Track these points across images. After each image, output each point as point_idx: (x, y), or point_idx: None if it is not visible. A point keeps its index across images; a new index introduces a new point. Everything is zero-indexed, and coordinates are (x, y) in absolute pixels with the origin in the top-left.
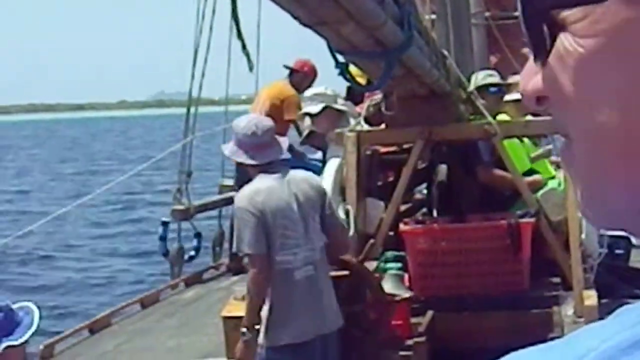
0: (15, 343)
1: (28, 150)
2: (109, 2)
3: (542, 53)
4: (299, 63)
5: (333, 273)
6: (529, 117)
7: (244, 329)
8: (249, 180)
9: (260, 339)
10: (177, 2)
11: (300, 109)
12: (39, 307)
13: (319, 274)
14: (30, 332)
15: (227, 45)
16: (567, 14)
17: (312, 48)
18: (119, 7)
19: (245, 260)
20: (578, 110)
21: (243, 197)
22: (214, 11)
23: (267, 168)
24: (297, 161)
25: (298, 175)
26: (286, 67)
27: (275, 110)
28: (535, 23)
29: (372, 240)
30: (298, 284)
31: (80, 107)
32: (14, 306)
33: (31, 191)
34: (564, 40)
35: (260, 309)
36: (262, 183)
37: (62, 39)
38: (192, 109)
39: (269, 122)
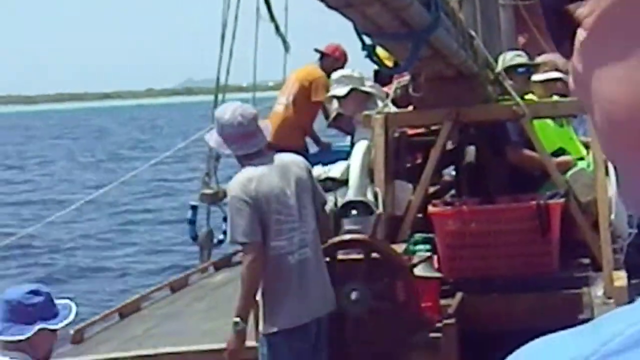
0: (49, 327)
1: (52, 140)
2: None
3: (566, 50)
4: (330, 47)
5: (355, 256)
6: (556, 98)
7: (237, 319)
8: None
9: (260, 327)
10: None
11: (328, 91)
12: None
13: (313, 255)
14: (65, 322)
15: (254, 30)
16: (580, 11)
17: (340, 31)
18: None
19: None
20: (592, 97)
21: (235, 185)
22: (236, 17)
23: (256, 155)
24: (325, 153)
25: (286, 158)
26: (317, 50)
27: (304, 92)
28: (555, 22)
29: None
30: (293, 268)
31: (107, 96)
32: (57, 301)
33: (54, 179)
34: (579, 35)
35: (254, 297)
36: (253, 170)
37: (89, 27)
38: (220, 96)
39: (252, 110)
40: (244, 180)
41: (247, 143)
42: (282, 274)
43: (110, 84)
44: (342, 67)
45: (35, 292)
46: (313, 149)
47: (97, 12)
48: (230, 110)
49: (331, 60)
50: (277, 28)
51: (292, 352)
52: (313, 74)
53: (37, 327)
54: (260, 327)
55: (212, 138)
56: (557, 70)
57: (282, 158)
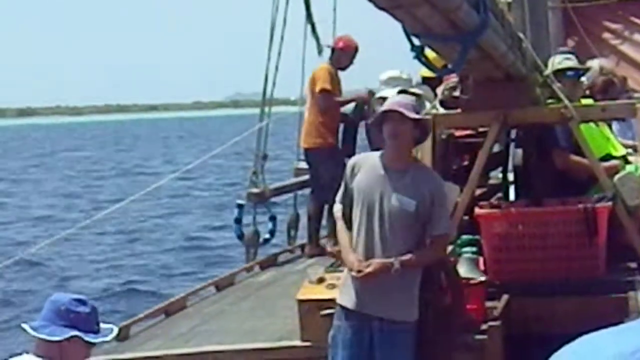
0: (84, 338)
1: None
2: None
3: None
4: (335, 40)
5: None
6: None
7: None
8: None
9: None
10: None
11: (331, 78)
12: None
13: None
14: (101, 339)
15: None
16: None
17: (388, 33)
18: (198, 7)
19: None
20: None
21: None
22: (285, 21)
23: None
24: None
25: None
26: (327, 46)
27: (310, 88)
28: None
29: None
30: None
31: (153, 108)
32: (102, 324)
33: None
34: None
35: None
36: None
37: (139, 40)
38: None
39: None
40: None
41: None
42: None
43: (159, 96)
44: (352, 57)
45: (81, 302)
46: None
47: (148, 25)
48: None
49: (338, 52)
50: (313, 28)
51: None
52: (316, 70)
53: (72, 333)
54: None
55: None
56: (602, 73)
57: None
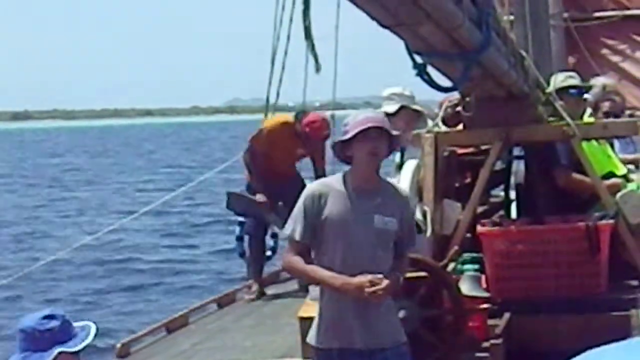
0: (69, 350)
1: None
2: (184, 7)
3: None
4: (304, 120)
5: (410, 274)
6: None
7: None
8: None
9: None
10: (256, 6)
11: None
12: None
13: None
14: (84, 344)
15: (305, 51)
16: None
17: (390, 51)
18: (196, 11)
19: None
20: None
21: None
22: (291, 19)
23: None
24: None
25: None
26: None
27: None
28: None
29: (455, 248)
30: None
31: (149, 113)
32: (75, 324)
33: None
34: None
35: None
36: None
37: (136, 44)
38: (269, 115)
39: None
40: None
41: None
42: None
43: (158, 101)
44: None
45: (50, 317)
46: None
47: (144, 29)
48: None
49: (303, 134)
50: (312, 47)
51: None
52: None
53: (55, 351)
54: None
55: None
56: (606, 91)
57: None
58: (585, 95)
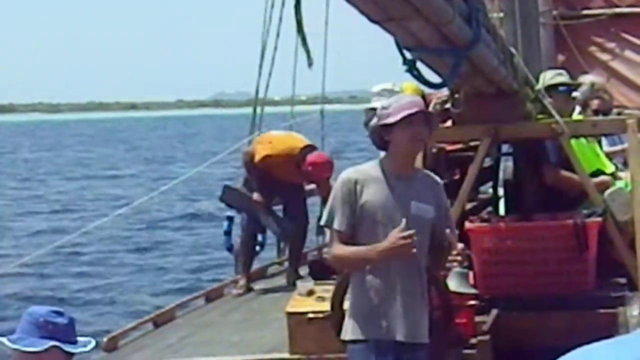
0: (63, 347)
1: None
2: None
3: None
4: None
5: None
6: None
7: None
8: None
9: None
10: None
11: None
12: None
13: None
14: (80, 350)
15: (294, 45)
16: None
17: (381, 46)
18: (181, 6)
19: None
20: None
21: None
22: (280, 19)
23: None
24: None
25: None
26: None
27: None
28: None
29: None
30: None
31: (133, 106)
32: (80, 338)
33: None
34: None
35: None
36: None
37: (122, 38)
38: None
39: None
40: None
41: None
42: None
43: (142, 95)
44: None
45: (59, 313)
46: None
47: (130, 22)
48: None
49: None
50: (303, 40)
51: None
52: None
53: (51, 343)
54: None
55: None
56: (594, 89)
57: None
58: (574, 94)
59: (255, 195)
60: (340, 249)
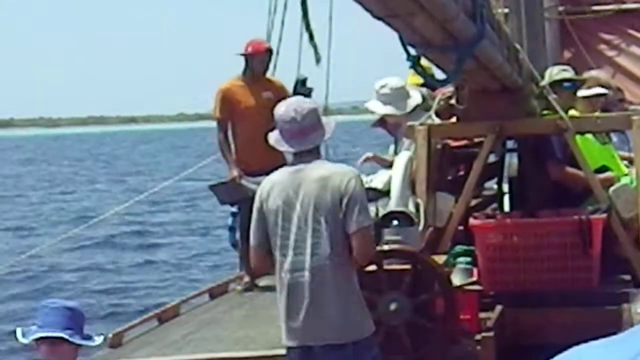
0: (74, 340)
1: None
2: (172, 14)
3: None
4: (244, 46)
5: (397, 266)
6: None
7: None
8: None
9: None
10: (243, 14)
11: (223, 99)
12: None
13: (316, 282)
14: (87, 343)
15: (298, 50)
16: None
17: (386, 45)
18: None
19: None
20: None
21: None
22: (282, 23)
23: (298, 157)
24: None
25: (315, 173)
26: (240, 54)
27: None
28: None
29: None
30: (286, 287)
31: (132, 120)
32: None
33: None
34: None
35: None
36: (277, 174)
37: (122, 51)
38: None
39: (309, 105)
40: (265, 182)
41: (295, 140)
42: (280, 289)
43: (143, 109)
44: (264, 61)
45: (71, 309)
46: None
47: (130, 36)
48: (285, 105)
49: (249, 59)
50: (311, 37)
51: None
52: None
53: (63, 334)
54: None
55: (273, 135)
56: (600, 85)
57: (311, 171)
58: (580, 92)
59: (232, 172)
60: None
